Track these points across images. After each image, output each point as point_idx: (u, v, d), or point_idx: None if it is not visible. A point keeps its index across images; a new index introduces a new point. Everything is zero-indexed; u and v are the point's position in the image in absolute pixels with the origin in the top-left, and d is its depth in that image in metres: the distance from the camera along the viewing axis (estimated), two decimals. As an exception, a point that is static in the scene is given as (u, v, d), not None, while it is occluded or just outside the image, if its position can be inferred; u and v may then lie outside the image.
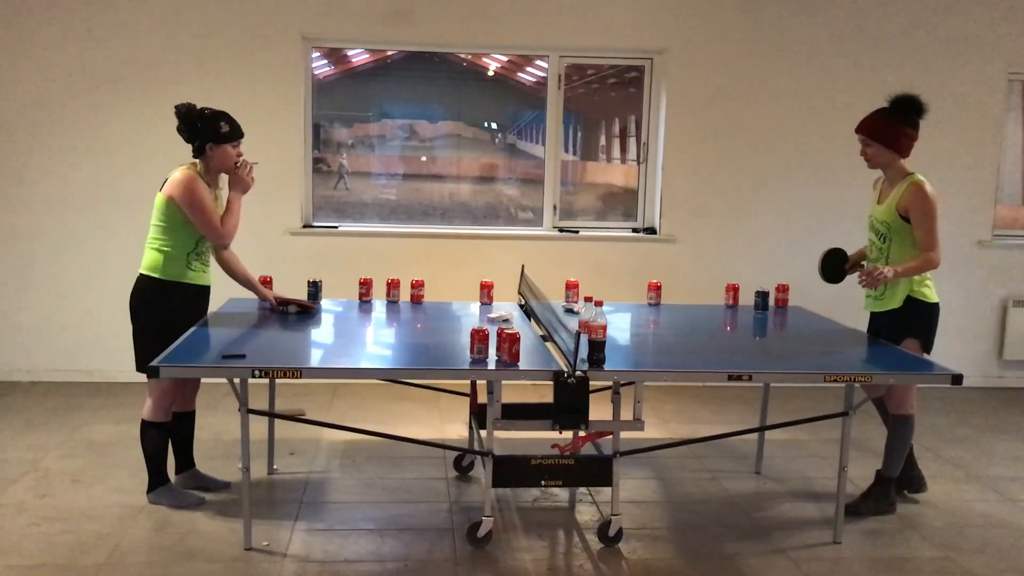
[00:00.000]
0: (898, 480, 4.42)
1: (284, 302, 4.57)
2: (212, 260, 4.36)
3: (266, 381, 4.16)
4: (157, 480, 4.21)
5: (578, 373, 3.48)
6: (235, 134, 4.16)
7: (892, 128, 4.16)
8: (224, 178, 4.27)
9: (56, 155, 6.13)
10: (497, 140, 7.06)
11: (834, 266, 4.65)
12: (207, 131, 4.10)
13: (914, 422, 4.31)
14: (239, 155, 4.20)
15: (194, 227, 4.10)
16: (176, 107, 4.13)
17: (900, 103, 4.19)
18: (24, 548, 3.75)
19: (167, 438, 4.23)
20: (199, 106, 4.14)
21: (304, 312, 4.57)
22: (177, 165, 4.17)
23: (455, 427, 5.48)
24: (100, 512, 4.11)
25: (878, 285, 4.17)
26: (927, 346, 4.25)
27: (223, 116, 4.14)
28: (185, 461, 4.43)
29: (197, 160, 4.17)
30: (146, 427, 4.14)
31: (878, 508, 4.31)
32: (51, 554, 3.71)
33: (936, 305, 4.26)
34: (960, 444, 5.47)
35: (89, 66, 6.07)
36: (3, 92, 6.06)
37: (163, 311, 4.09)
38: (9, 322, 6.27)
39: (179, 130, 4.14)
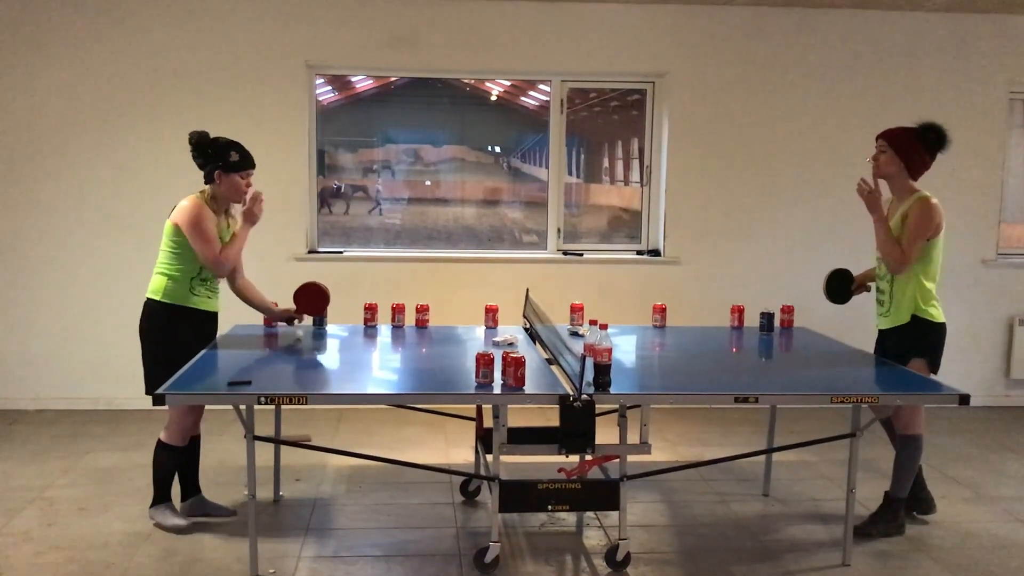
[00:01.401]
0: (907, 501, 4.40)
1: (291, 317, 4.62)
2: (222, 286, 4.38)
3: (272, 407, 4.16)
4: (160, 497, 4.24)
5: (584, 396, 3.47)
6: (244, 164, 4.20)
7: (912, 144, 4.21)
8: (237, 208, 4.32)
9: (64, 184, 6.16)
10: (505, 165, 7.08)
11: (839, 286, 4.70)
12: (217, 159, 4.15)
13: (922, 442, 4.29)
14: (248, 186, 4.24)
15: (216, 241, 4.16)
16: (190, 134, 4.18)
17: (927, 128, 4.24)
18: (30, 577, 3.74)
19: (179, 462, 4.25)
20: (213, 135, 4.20)
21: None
22: (188, 193, 4.20)
23: (461, 452, 5.47)
24: (106, 540, 4.10)
25: (861, 195, 4.23)
26: (934, 366, 4.24)
27: (234, 146, 4.19)
28: (191, 487, 4.43)
29: (207, 187, 4.22)
30: (160, 448, 4.17)
31: (887, 530, 4.29)
32: (57, 583, 3.70)
33: (943, 325, 4.25)
34: (968, 464, 5.44)
35: (97, 95, 6.12)
36: (12, 122, 6.11)
37: (168, 335, 4.13)
38: (16, 350, 6.28)
39: (193, 157, 4.20)
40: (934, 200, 4.17)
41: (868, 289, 4.64)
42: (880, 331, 4.41)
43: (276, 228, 6.31)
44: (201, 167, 4.21)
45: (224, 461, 5.18)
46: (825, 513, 4.61)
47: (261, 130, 6.21)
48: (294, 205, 6.37)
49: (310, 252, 6.48)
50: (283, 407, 4.47)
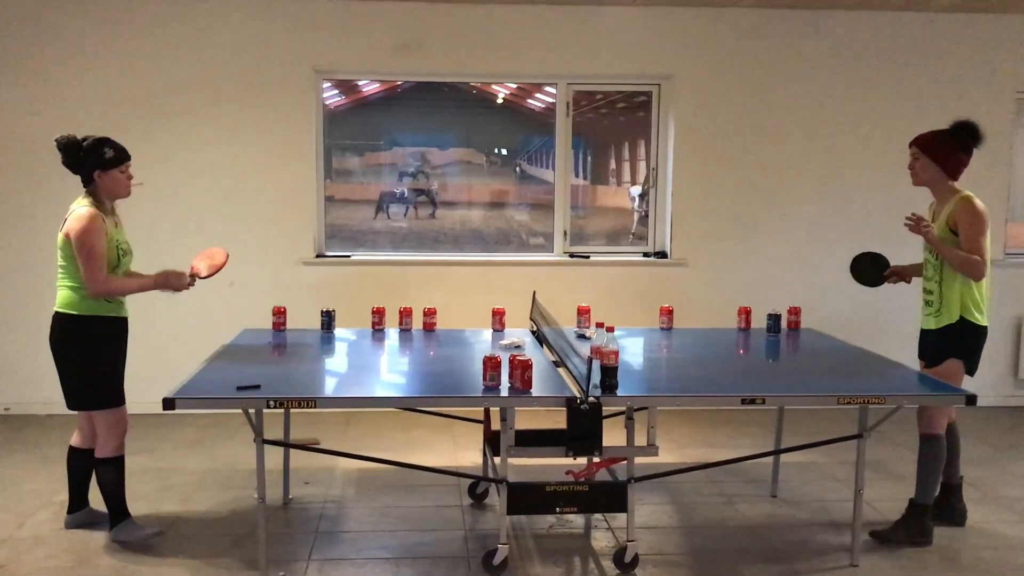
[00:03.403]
0: (940, 509, 4.39)
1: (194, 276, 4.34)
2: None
3: (281, 411, 4.18)
4: (119, 515, 4.17)
5: (591, 399, 3.48)
6: (120, 157, 4.05)
7: (945, 147, 4.16)
8: (120, 203, 4.18)
9: (72, 193, 6.17)
10: (517, 168, 7.09)
11: (870, 269, 4.61)
12: (91, 159, 3.99)
13: (944, 443, 4.24)
14: (129, 178, 4.11)
15: (111, 258, 4.01)
16: (56, 140, 4.01)
17: (959, 126, 4.18)
18: (42, 581, 3.77)
19: (123, 472, 4.19)
20: (80, 136, 4.03)
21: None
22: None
23: (469, 454, 5.48)
24: (116, 544, 4.12)
25: (918, 231, 4.14)
26: (971, 368, 4.21)
27: (106, 142, 4.04)
28: (81, 499, 4.34)
29: (89, 194, 4.06)
30: (100, 465, 4.11)
31: (911, 538, 4.22)
32: (69, 587, 3.73)
33: (985, 329, 4.20)
34: (977, 464, 5.42)
35: (105, 101, 6.15)
36: (23, 129, 6.14)
37: (85, 345, 4.03)
38: (26, 356, 6.30)
39: (64, 163, 4.03)
40: (977, 200, 4.11)
41: (908, 281, 4.58)
42: (923, 331, 4.34)
43: (283, 232, 6.35)
44: (76, 171, 4.05)
45: (233, 465, 5.21)
46: (833, 514, 4.61)
47: (269, 134, 6.25)
48: (301, 209, 6.40)
49: (318, 256, 6.50)
50: (292, 411, 4.49)
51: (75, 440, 4.27)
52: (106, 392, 4.08)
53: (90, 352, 4.04)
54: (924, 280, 4.33)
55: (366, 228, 6.89)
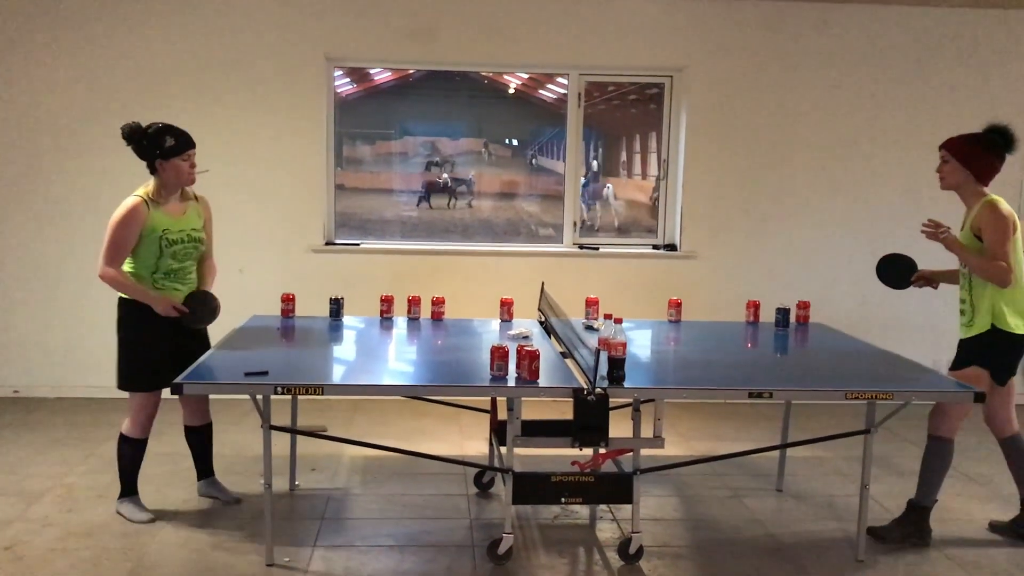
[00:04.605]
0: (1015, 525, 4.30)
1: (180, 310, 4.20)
2: (192, 277, 4.27)
3: (288, 397, 4.19)
4: (126, 490, 4.30)
5: (598, 390, 3.48)
6: (182, 146, 4.04)
7: (976, 151, 4.08)
8: (188, 191, 4.21)
9: (83, 178, 6.21)
10: (531, 160, 7.08)
11: (896, 270, 4.52)
12: (153, 147, 4.01)
13: (951, 448, 4.16)
14: (192, 166, 4.08)
15: (152, 247, 4.05)
16: (121, 128, 4.03)
17: (993, 131, 4.12)
18: (49, 563, 3.79)
19: (141, 453, 4.28)
20: (144, 123, 4.04)
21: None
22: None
23: (475, 444, 5.49)
24: (124, 527, 4.15)
25: (936, 239, 4.07)
26: (999, 377, 4.12)
27: (168, 130, 4.03)
28: (204, 469, 4.54)
29: (151, 181, 4.09)
30: (121, 440, 4.24)
31: (906, 539, 4.18)
32: (75, 569, 3.75)
33: (1020, 337, 4.09)
34: (985, 462, 5.41)
35: (116, 87, 6.16)
36: (33, 113, 6.16)
37: (137, 330, 4.12)
38: (36, 340, 6.34)
39: (133, 150, 4.06)
40: (1002, 204, 4.03)
41: (935, 287, 4.49)
42: (959, 340, 4.23)
43: (293, 220, 6.37)
44: (142, 158, 4.07)
45: (241, 451, 5.23)
46: (839, 509, 4.60)
47: (280, 122, 6.26)
48: (311, 197, 6.40)
49: (327, 244, 6.51)
50: (299, 397, 4.50)
51: (184, 420, 4.40)
52: (135, 376, 4.15)
53: (138, 336, 4.13)
54: (959, 289, 4.24)
55: (376, 217, 6.89)
